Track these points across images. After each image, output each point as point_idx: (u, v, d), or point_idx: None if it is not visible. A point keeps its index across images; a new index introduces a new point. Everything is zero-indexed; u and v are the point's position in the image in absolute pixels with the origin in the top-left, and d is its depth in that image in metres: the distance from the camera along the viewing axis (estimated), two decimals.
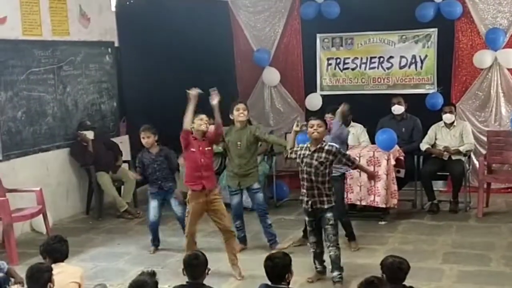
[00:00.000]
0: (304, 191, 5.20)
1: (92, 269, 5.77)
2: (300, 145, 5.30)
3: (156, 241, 6.44)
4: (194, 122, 5.49)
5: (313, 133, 5.11)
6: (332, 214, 5.15)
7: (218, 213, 5.56)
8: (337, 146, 5.23)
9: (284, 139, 6.33)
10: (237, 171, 6.09)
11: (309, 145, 5.19)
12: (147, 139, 6.30)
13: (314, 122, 5.14)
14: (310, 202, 5.16)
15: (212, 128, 5.62)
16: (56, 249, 4.38)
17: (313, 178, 5.12)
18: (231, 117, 6.14)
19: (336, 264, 5.18)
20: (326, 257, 5.32)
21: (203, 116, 5.52)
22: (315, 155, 5.11)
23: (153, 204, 6.36)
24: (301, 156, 5.19)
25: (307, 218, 5.31)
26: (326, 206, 5.14)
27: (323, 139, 5.20)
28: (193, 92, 5.36)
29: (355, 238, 6.25)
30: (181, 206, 6.26)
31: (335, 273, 5.17)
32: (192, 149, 5.49)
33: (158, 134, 6.47)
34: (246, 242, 6.32)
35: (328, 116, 6.40)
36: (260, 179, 7.81)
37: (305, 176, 5.16)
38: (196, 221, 5.58)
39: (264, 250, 5.91)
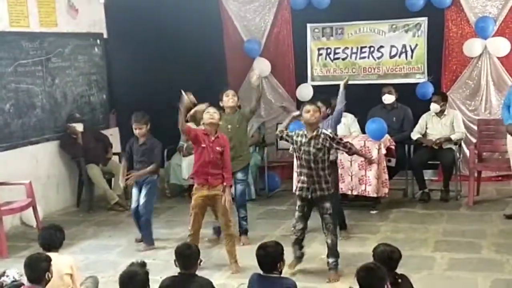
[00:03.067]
0: (304, 178, 5.13)
1: (83, 261, 5.74)
2: (296, 131, 5.22)
3: (142, 231, 6.33)
4: (203, 116, 5.45)
5: (309, 118, 5.06)
6: (330, 203, 5.12)
7: (216, 210, 5.53)
8: (330, 132, 5.19)
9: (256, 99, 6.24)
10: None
11: (305, 132, 5.13)
12: (139, 130, 6.20)
13: (310, 107, 5.09)
14: (310, 189, 5.10)
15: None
16: (51, 237, 4.38)
17: (312, 165, 5.07)
18: (221, 104, 6.12)
19: (333, 250, 5.17)
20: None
21: (210, 109, 5.45)
22: (312, 142, 5.06)
23: (134, 191, 6.27)
24: (298, 143, 5.12)
25: (299, 203, 5.23)
26: (326, 193, 5.10)
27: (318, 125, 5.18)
28: (187, 97, 5.39)
29: (346, 227, 6.26)
30: (145, 201, 6.13)
31: (331, 259, 5.17)
32: (203, 145, 5.42)
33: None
34: (247, 233, 6.28)
35: (320, 105, 6.40)
36: (251, 170, 7.83)
37: (304, 163, 5.11)
38: (199, 219, 5.47)
39: (256, 240, 5.89)
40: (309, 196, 5.13)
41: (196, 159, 5.52)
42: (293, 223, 5.33)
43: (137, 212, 6.24)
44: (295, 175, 6.96)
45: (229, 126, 6.06)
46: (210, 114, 5.43)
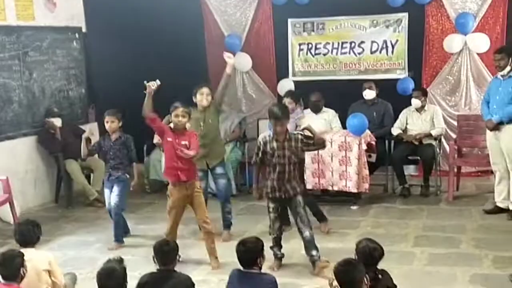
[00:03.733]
0: (275, 181, 5.11)
1: (61, 258, 5.66)
2: (261, 142, 5.17)
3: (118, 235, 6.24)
4: (171, 119, 5.38)
5: (279, 131, 5.04)
6: (301, 197, 5.14)
7: (194, 206, 5.48)
8: (301, 132, 5.19)
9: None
10: (203, 151, 5.88)
11: (273, 137, 5.09)
12: (111, 123, 6.10)
13: (277, 121, 5.02)
14: (282, 190, 5.10)
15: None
16: (27, 233, 4.32)
17: (286, 168, 5.07)
18: (194, 99, 6.04)
19: (312, 243, 5.16)
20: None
21: (179, 112, 5.33)
22: (286, 144, 5.06)
23: (106, 191, 6.21)
24: (271, 149, 5.08)
25: (272, 205, 5.20)
26: (298, 190, 5.13)
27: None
28: (152, 86, 5.28)
29: (326, 219, 6.26)
30: (118, 199, 6.06)
31: (314, 252, 5.16)
32: (168, 138, 5.36)
33: (127, 121, 6.34)
34: (230, 228, 6.22)
35: (286, 100, 6.42)
36: (232, 165, 7.81)
37: (278, 168, 5.09)
38: (176, 218, 5.41)
39: (236, 236, 5.87)
40: (283, 196, 5.13)
41: (166, 155, 5.47)
42: (270, 225, 5.30)
43: (109, 211, 6.22)
44: None
45: (201, 123, 6.00)
46: (178, 119, 5.33)
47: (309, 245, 5.18)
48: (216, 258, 5.42)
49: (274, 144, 5.08)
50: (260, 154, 5.19)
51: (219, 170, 6.14)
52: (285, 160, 5.06)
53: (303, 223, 5.15)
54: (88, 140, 6.29)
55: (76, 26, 8.58)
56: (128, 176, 6.16)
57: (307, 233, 5.15)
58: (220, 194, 6.21)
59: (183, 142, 5.33)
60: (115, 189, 6.08)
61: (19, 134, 7.61)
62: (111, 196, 6.11)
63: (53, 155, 7.83)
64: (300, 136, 5.11)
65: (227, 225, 6.21)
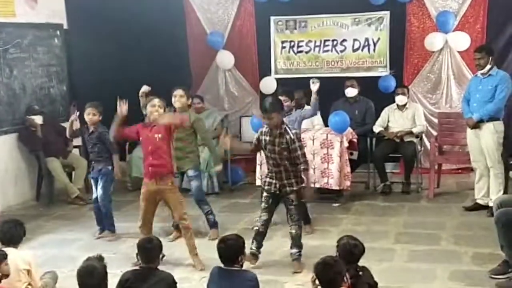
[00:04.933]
0: (272, 175, 5.10)
1: (42, 256, 5.63)
2: (260, 130, 5.17)
3: (99, 224, 6.31)
4: (147, 109, 5.33)
5: (266, 122, 5.04)
6: (295, 195, 5.09)
7: (169, 204, 5.46)
8: (297, 132, 5.13)
9: (215, 149, 6.07)
10: (175, 154, 5.81)
11: (268, 130, 5.06)
12: (92, 116, 6.08)
13: (265, 115, 5.00)
14: (278, 185, 5.07)
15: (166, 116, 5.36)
16: (10, 232, 4.30)
17: (279, 162, 5.04)
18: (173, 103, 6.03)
19: (296, 241, 5.16)
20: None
21: (156, 102, 5.29)
22: (277, 140, 5.02)
23: (93, 183, 6.29)
24: (264, 142, 5.08)
25: (265, 194, 5.18)
26: (294, 188, 5.06)
27: (284, 120, 5.15)
28: (122, 109, 5.26)
29: (310, 221, 6.26)
30: (103, 192, 6.11)
31: (294, 250, 5.16)
32: (141, 138, 5.36)
33: (109, 119, 6.30)
34: (217, 226, 6.17)
35: (282, 98, 6.35)
36: (215, 162, 7.78)
37: (271, 162, 5.08)
38: (147, 211, 5.36)
39: (218, 233, 5.88)
40: (277, 192, 5.12)
41: (142, 151, 5.48)
42: (259, 213, 5.29)
43: (95, 204, 6.27)
44: (258, 168, 6.95)
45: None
46: (155, 107, 5.26)
47: (293, 241, 5.18)
48: (196, 255, 5.35)
49: (267, 138, 5.06)
50: (255, 141, 5.19)
51: (191, 172, 6.04)
52: (275, 155, 5.02)
53: (292, 220, 5.13)
54: (74, 121, 6.33)
55: (57, 23, 8.51)
56: (110, 168, 6.19)
57: (293, 230, 5.14)
58: (194, 196, 6.15)
59: (156, 135, 5.25)
60: (99, 182, 6.16)
61: (0, 132, 7.53)
62: (98, 190, 6.18)
63: (34, 153, 7.76)
64: (293, 136, 5.00)
65: (211, 224, 6.16)
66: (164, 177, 5.29)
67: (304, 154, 5.05)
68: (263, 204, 5.23)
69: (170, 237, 6.03)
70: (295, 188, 5.07)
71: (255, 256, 5.22)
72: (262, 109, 5.06)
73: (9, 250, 4.14)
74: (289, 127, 5.08)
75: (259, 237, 5.25)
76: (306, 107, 7.55)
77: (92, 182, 6.29)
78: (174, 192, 5.36)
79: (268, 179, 5.16)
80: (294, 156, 5.00)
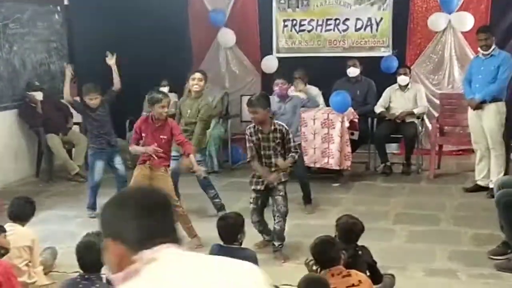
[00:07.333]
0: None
1: (42, 232, 5.59)
2: (248, 134, 5.03)
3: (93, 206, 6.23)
4: (155, 109, 5.22)
5: (251, 117, 4.96)
6: (283, 186, 5.00)
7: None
8: (286, 127, 5.03)
9: (197, 136, 6.05)
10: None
11: (259, 128, 4.95)
12: (95, 100, 6.07)
13: (252, 115, 4.93)
14: (265, 182, 4.97)
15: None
16: (19, 209, 4.35)
17: (273, 160, 4.97)
18: (187, 85, 5.96)
19: (278, 235, 5.00)
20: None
21: (166, 103, 5.19)
22: (271, 135, 4.94)
23: (98, 164, 6.15)
24: (257, 140, 4.97)
25: (253, 195, 5.06)
26: (283, 179, 4.98)
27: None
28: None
29: (311, 202, 6.25)
30: (124, 165, 6.18)
31: (278, 243, 5.01)
32: (144, 133, 5.31)
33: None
34: (224, 209, 6.02)
35: (279, 81, 6.27)
36: (215, 142, 7.77)
37: (264, 160, 4.99)
38: None
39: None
40: (263, 189, 5.00)
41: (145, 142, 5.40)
42: (250, 215, 5.09)
43: (97, 186, 6.16)
44: None
45: (189, 111, 5.93)
46: (164, 109, 5.20)
47: (276, 236, 5.01)
48: (195, 236, 5.31)
49: (260, 135, 4.96)
50: (253, 150, 5.01)
51: (197, 157, 5.89)
52: (270, 151, 4.96)
53: (279, 211, 4.95)
54: (72, 79, 6.30)
55: None
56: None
57: (277, 226, 4.96)
58: (199, 182, 6.08)
59: (161, 137, 5.26)
60: (117, 158, 6.22)
61: (0, 108, 7.51)
62: (118, 167, 6.21)
63: (34, 129, 7.74)
64: (285, 129, 4.95)
65: (218, 208, 6.05)
66: (159, 167, 5.33)
67: (295, 146, 5.05)
68: (251, 206, 5.08)
69: None
70: (283, 180, 4.99)
71: (269, 241, 5.16)
72: (248, 103, 5.00)
73: (14, 226, 4.14)
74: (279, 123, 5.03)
75: (265, 231, 5.18)
76: (308, 87, 7.53)
77: (99, 163, 6.13)
78: (166, 177, 5.35)
79: (255, 179, 5.04)
80: (288, 147, 4.98)
